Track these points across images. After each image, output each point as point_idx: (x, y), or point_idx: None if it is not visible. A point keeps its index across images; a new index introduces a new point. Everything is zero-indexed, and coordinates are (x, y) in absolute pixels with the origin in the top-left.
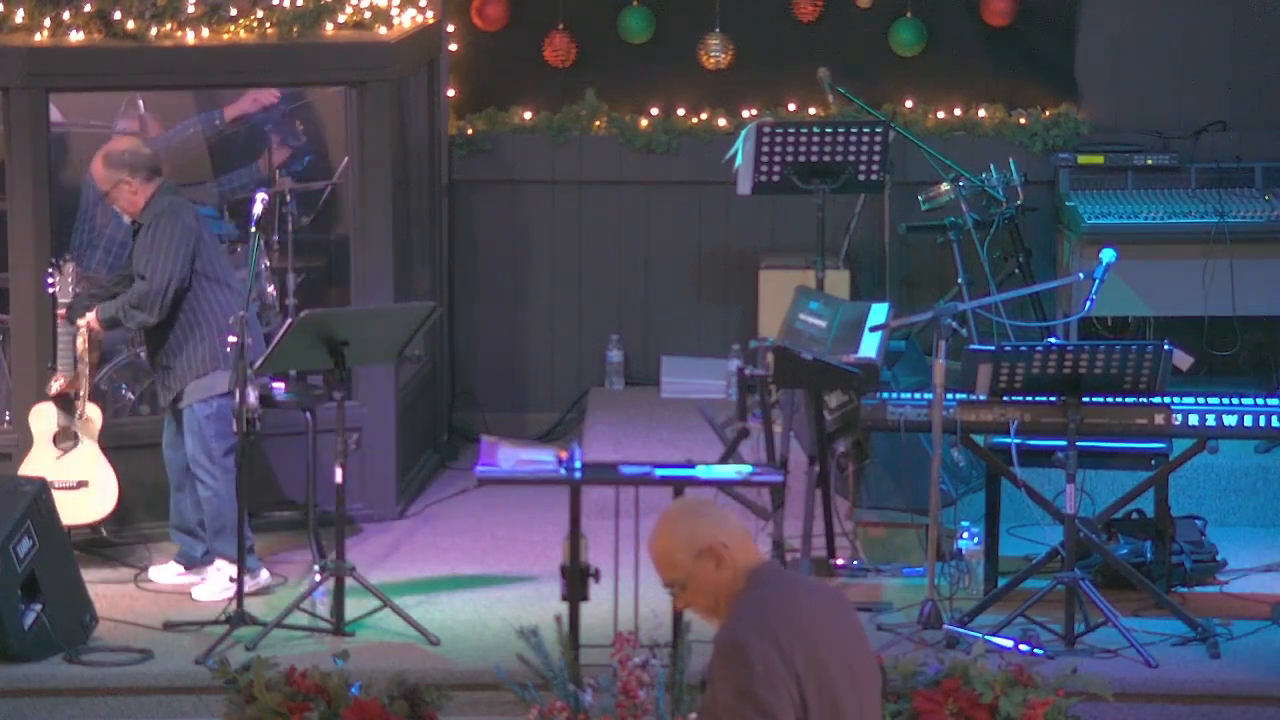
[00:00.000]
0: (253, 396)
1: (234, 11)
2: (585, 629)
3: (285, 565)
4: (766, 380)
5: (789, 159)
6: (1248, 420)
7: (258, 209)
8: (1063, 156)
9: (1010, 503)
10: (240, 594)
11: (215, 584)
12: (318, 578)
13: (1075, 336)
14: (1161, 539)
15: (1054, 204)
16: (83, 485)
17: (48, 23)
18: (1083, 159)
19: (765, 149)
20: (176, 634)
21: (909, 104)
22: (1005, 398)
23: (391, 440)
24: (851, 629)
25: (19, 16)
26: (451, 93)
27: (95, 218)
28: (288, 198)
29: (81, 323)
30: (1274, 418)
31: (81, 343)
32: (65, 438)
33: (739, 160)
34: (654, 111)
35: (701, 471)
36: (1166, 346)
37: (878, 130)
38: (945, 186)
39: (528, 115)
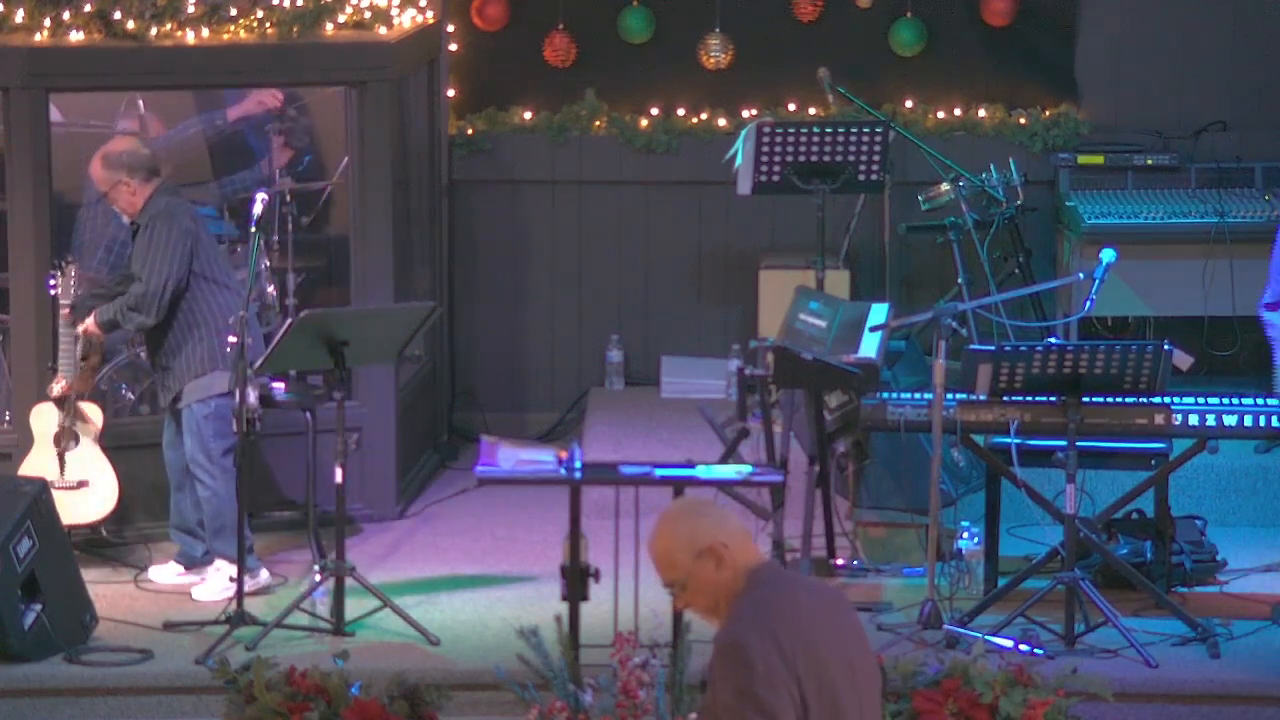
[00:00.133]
0: (253, 396)
1: (234, 11)
2: (585, 629)
3: (285, 565)
4: (766, 380)
5: (789, 159)
6: (1248, 420)
7: (258, 209)
8: (1063, 156)
9: (1010, 503)
10: (240, 594)
11: (215, 584)
12: (318, 578)
13: (1075, 336)
14: (1161, 539)
15: (1054, 204)
16: (83, 485)
17: (48, 23)
18: (1083, 159)
19: (765, 149)
20: (176, 634)
21: (909, 104)
22: (1005, 398)
23: (391, 440)
24: (852, 629)
25: (19, 16)
26: (451, 93)
27: (96, 217)
28: (288, 198)
29: (79, 329)
30: (1274, 418)
31: (79, 348)
32: (65, 438)
33: (739, 160)
34: (654, 111)
35: (701, 471)
36: (1166, 346)
37: (878, 130)
38: (945, 186)
39: (528, 115)
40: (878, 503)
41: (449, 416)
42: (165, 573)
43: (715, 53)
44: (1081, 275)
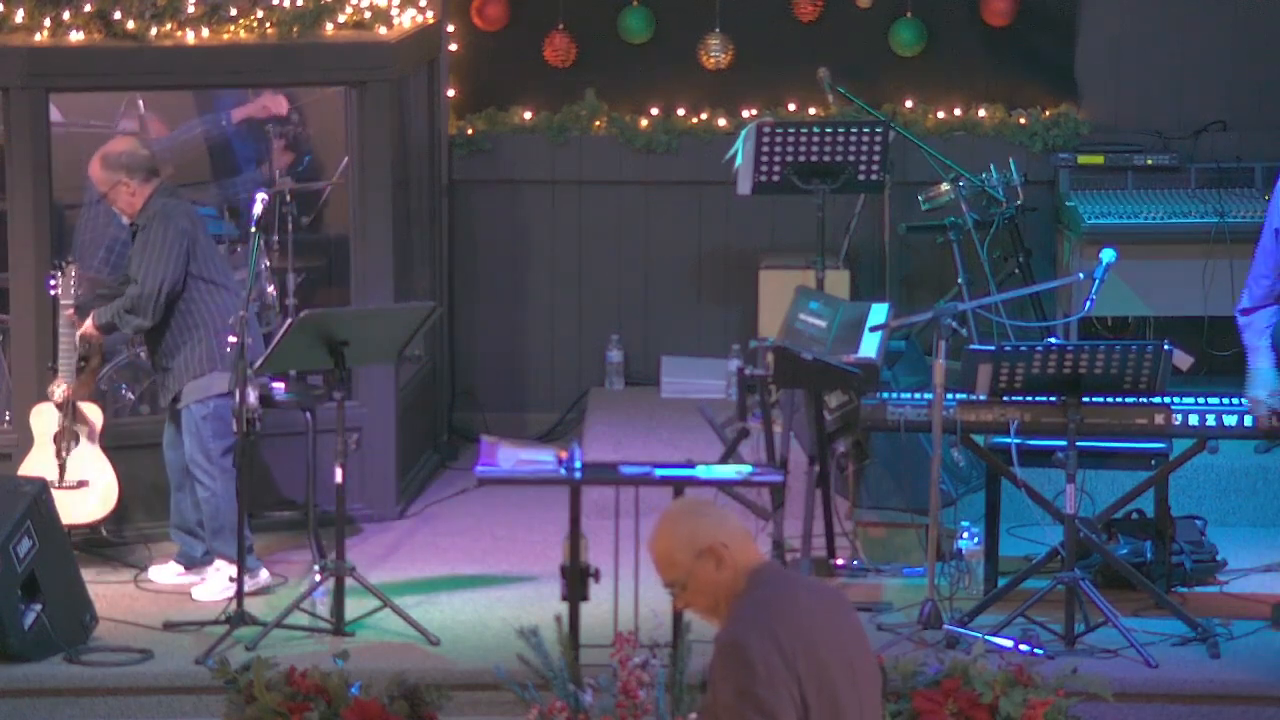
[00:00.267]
0: (253, 396)
1: (234, 11)
2: (585, 629)
3: (285, 565)
4: (766, 380)
5: (789, 159)
6: (1248, 420)
7: (258, 209)
8: (1063, 156)
9: (1010, 503)
10: (240, 594)
11: (215, 584)
12: (318, 578)
13: (1075, 336)
14: (1161, 539)
15: (1054, 204)
16: (83, 485)
17: (48, 23)
18: (1083, 159)
19: (765, 149)
20: (176, 634)
21: (909, 104)
22: (1005, 398)
23: (391, 440)
24: (852, 629)
25: (19, 16)
26: (451, 93)
27: (97, 217)
28: (288, 198)
29: (78, 332)
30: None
31: (79, 349)
32: (65, 438)
33: (739, 160)
34: (654, 111)
35: (701, 471)
36: (1166, 346)
37: (878, 130)
38: (945, 186)
39: (528, 115)
40: (878, 503)
41: (449, 416)
42: (165, 573)
43: (715, 53)
44: (1081, 275)
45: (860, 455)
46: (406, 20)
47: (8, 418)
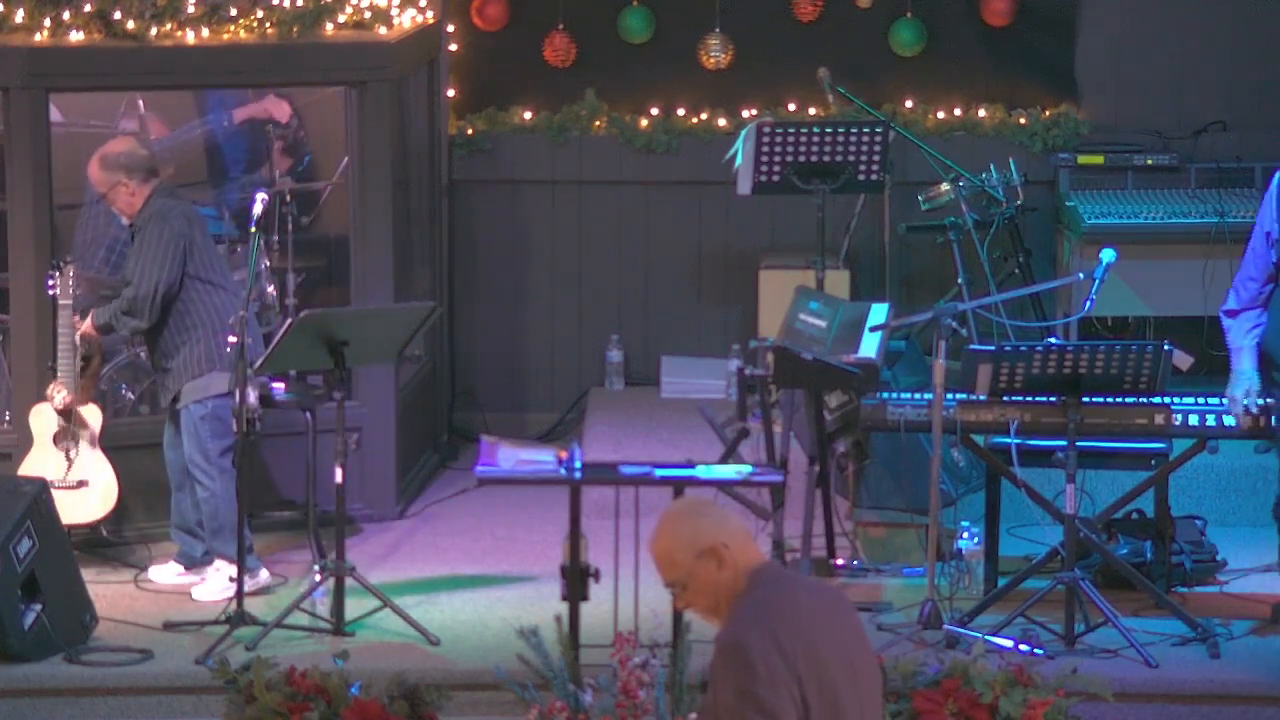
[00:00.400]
0: (252, 396)
1: (234, 11)
2: (585, 629)
3: (285, 565)
4: (766, 380)
5: (789, 159)
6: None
7: (258, 209)
8: (1063, 156)
9: (1010, 503)
10: (240, 594)
11: (215, 584)
12: (318, 578)
13: (1075, 336)
14: (1161, 539)
15: (1054, 204)
16: (83, 485)
17: (48, 23)
18: (1083, 159)
19: (765, 149)
20: (176, 634)
21: (909, 104)
22: (1005, 398)
23: (391, 440)
24: (852, 629)
25: (19, 16)
26: (451, 93)
27: (97, 217)
28: (288, 198)
29: (77, 332)
30: (1273, 418)
31: (81, 349)
32: (65, 438)
33: (739, 160)
34: (654, 111)
35: (701, 471)
36: (1166, 346)
37: (878, 130)
38: (945, 186)
39: (528, 115)
40: (878, 503)
41: (449, 416)
42: (165, 573)
43: (715, 53)
44: (1081, 275)
45: (860, 455)
46: (406, 20)
47: (8, 418)
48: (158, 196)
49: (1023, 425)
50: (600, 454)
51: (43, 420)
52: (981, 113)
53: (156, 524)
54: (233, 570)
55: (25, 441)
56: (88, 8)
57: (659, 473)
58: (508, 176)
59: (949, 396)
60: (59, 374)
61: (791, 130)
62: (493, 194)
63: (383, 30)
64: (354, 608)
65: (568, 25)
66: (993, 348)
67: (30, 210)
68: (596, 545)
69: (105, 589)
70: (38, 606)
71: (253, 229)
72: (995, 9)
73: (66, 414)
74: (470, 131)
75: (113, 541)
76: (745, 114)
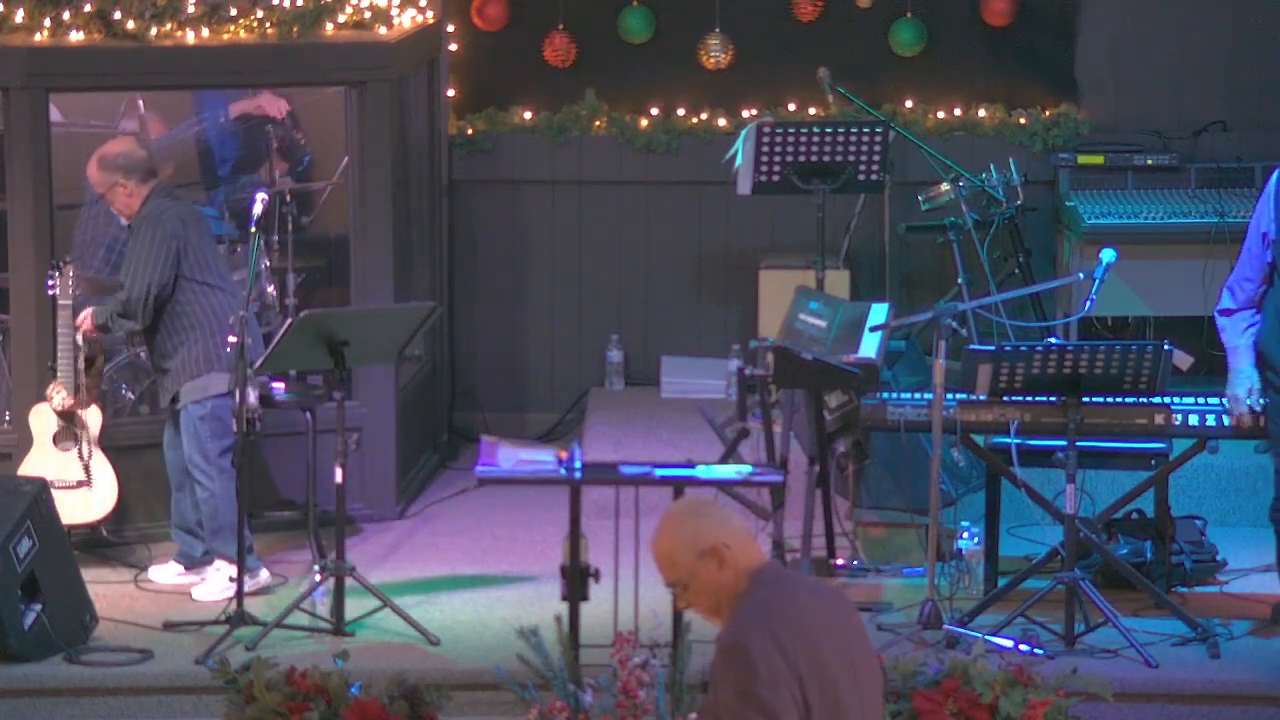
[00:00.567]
0: (252, 396)
1: (234, 11)
2: (585, 629)
3: (285, 565)
4: (766, 380)
5: (789, 159)
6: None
7: (258, 209)
8: (1063, 156)
9: (1010, 503)
10: (240, 594)
11: (215, 584)
12: (318, 578)
13: (1075, 336)
14: (1161, 539)
15: (1054, 204)
16: (83, 485)
17: (48, 23)
18: (1083, 159)
19: (765, 149)
20: (176, 634)
21: (909, 104)
22: (1005, 398)
23: (391, 440)
24: (853, 629)
25: (19, 16)
26: (451, 93)
27: (96, 217)
28: (288, 198)
29: (79, 331)
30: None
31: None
32: (65, 438)
33: (739, 160)
34: (654, 111)
35: (701, 471)
36: (1166, 346)
37: (878, 130)
38: (945, 186)
39: (528, 115)
40: (878, 503)
41: (449, 416)
42: (165, 573)
43: (715, 53)
44: (1081, 275)
45: (860, 455)
46: (406, 20)
47: (8, 418)
48: (155, 197)
49: (1023, 425)
50: (600, 454)
51: (43, 420)
52: (981, 113)
53: (156, 524)
54: (233, 570)
55: (25, 441)
56: (88, 8)
57: (659, 473)
58: (508, 176)
59: (949, 396)
60: (59, 374)
61: (791, 130)
62: (493, 194)
63: (383, 30)
64: (354, 608)
65: (568, 25)
66: (993, 348)
67: (30, 210)
68: (596, 545)
69: (105, 589)
70: (38, 606)
71: (253, 229)
72: (995, 9)
73: (66, 414)
74: (470, 131)
75: (113, 541)
76: (745, 114)
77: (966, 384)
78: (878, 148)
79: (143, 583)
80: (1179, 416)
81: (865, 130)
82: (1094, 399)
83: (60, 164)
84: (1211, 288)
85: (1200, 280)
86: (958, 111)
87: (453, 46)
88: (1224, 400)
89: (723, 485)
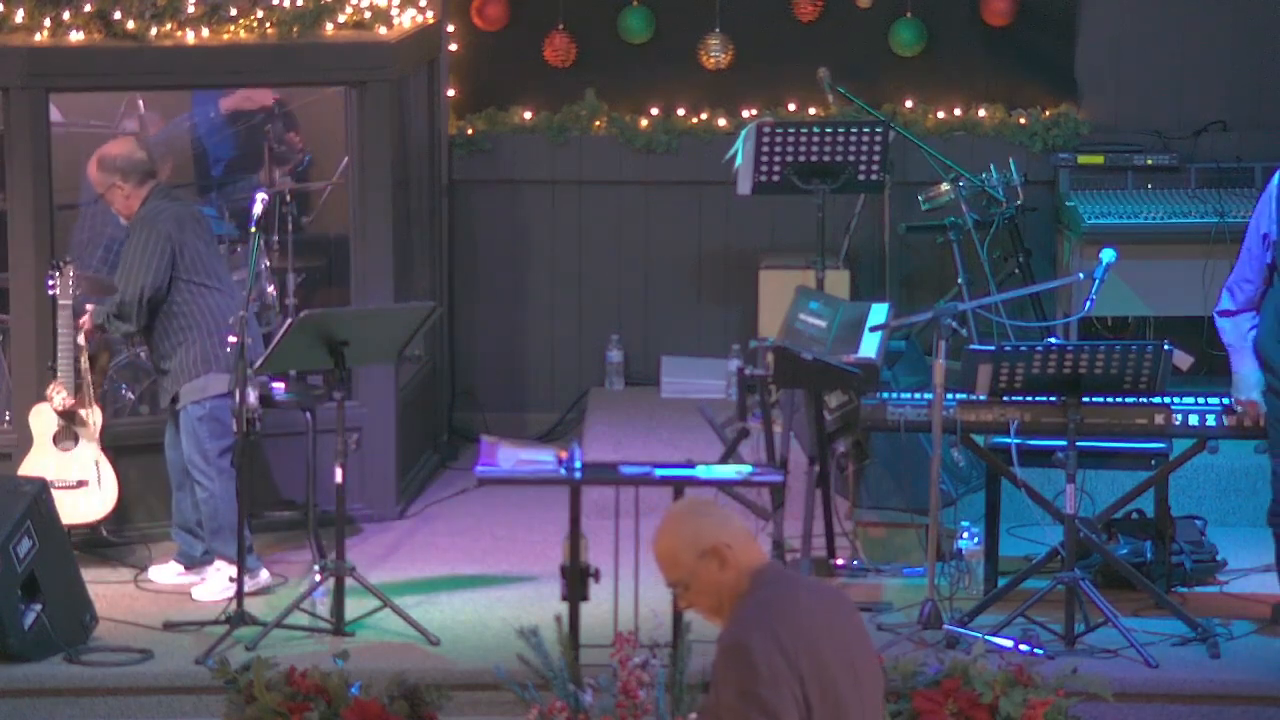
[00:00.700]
0: (252, 396)
1: (234, 11)
2: (585, 629)
3: (285, 565)
4: (766, 380)
5: (789, 159)
6: (1247, 420)
7: (257, 209)
8: (1063, 156)
9: (1010, 503)
10: (240, 594)
11: (215, 584)
12: (318, 578)
13: (1075, 336)
14: (1161, 539)
15: (1054, 204)
16: (83, 485)
17: (48, 23)
18: (1083, 159)
19: (765, 149)
20: (176, 634)
21: (909, 104)
22: (1005, 398)
23: (391, 440)
24: (854, 629)
25: (19, 16)
26: (451, 93)
27: (95, 216)
28: (288, 198)
29: (81, 330)
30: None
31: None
32: (65, 438)
33: (739, 160)
34: (654, 111)
35: (701, 471)
36: (1166, 346)
37: (878, 130)
38: (945, 186)
39: (528, 115)
40: (878, 503)
41: (449, 416)
42: (165, 573)
43: (715, 53)
44: (1081, 275)
45: (860, 455)
46: (406, 20)
47: (8, 418)
48: (154, 198)
49: (1023, 425)
50: (600, 454)
51: (43, 420)
52: (981, 113)
53: (156, 524)
54: (233, 570)
55: (25, 441)
56: (88, 8)
57: (659, 473)
58: (508, 176)
59: (949, 396)
60: (59, 374)
61: (791, 130)
62: (493, 194)
63: (383, 30)
64: (354, 608)
65: (568, 25)
66: (993, 348)
67: (30, 210)
68: (596, 545)
69: (105, 589)
70: (38, 606)
71: (253, 229)
72: (995, 9)
73: (67, 414)
74: (470, 131)
75: (113, 541)
76: (745, 114)
77: (966, 384)
78: (878, 148)
79: (143, 583)
80: (1179, 416)
81: (865, 130)
82: (1094, 399)
83: (60, 164)
84: (1211, 288)
85: (1200, 280)
86: (958, 111)
87: (453, 46)
88: (1224, 400)
89: (723, 485)
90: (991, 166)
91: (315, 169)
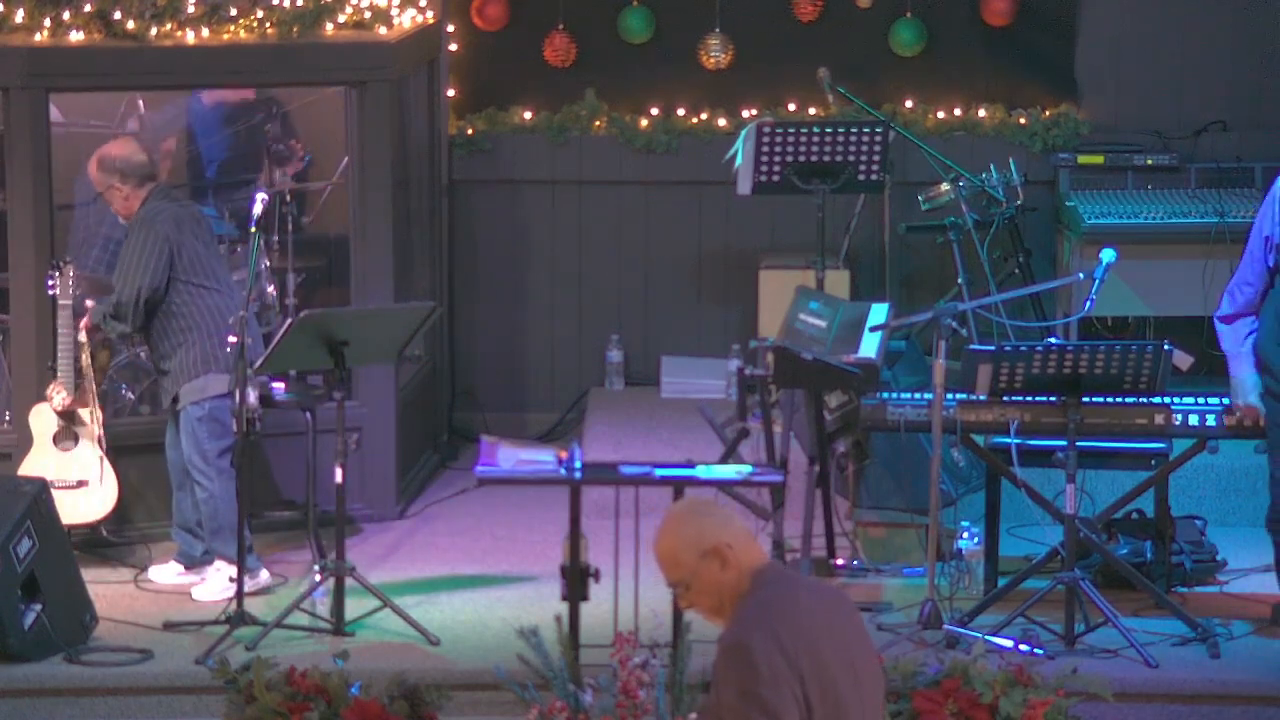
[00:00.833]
0: (252, 396)
1: (234, 11)
2: (585, 629)
3: (285, 565)
4: (766, 380)
5: (789, 159)
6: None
7: (257, 209)
8: (1063, 156)
9: (1010, 503)
10: (240, 594)
11: (215, 584)
12: (318, 578)
13: (1075, 336)
14: (1161, 539)
15: (1054, 204)
16: (83, 485)
17: (48, 23)
18: (1083, 159)
19: (765, 149)
20: (176, 634)
21: (909, 104)
22: (1005, 398)
23: (391, 440)
24: (854, 629)
25: (19, 16)
26: (451, 93)
27: (91, 215)
28: (288, 198)
29: (82, 329)
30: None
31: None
32: (65, 438)
33: (739, 160)
34: (654, 111)
35: (701, 471)
36: (1166, 346)
37: (878, 130)
38: (945, 186)
39: (528, 115)
40: (878, 503)
41: (449, 416)
42: (165, 573)
43: (715, 53)
44: (1081, 275)
45: (860, 455)
46: (406, 20)
47: (8, 418)
48: (154, 199)
49: (1023, 425)
50: (600, 454)
51: (43, 420)
52: (981, 113)
53: (156, 524)
54: (233, 570)
55: (25, 441)
56: (88, 8)
57: (659, 473)
58: (508, 176)
59: (949, 396)
60: (59, 374)
61: (791, 130)
62: (493, 194)
63: (383, 30)
64: (354, 608)
65: (568, 25)
66: (993, 348)
67: (30, 210)
68: (596, 545)
69: (105, 589)
70: (38, 606)
71: (253, 229)
72: (995, 9)
73: (67, 414)
74: (470, 131)
75: (113, 541)
76: (745, 114)
77: (966, 384)
78: (878, 148)
79: (143, 583)
80: (1179, 416)
81: (865, 130)
82: (1094, 399)
83: (60, 164)
84: (1211, 288)
85: (1200, 280)
86: (958, 111)
87: (453, 46)
88: (1224, 400)
89: (723, 485)
90: (991, 166)
91: (315, 169)
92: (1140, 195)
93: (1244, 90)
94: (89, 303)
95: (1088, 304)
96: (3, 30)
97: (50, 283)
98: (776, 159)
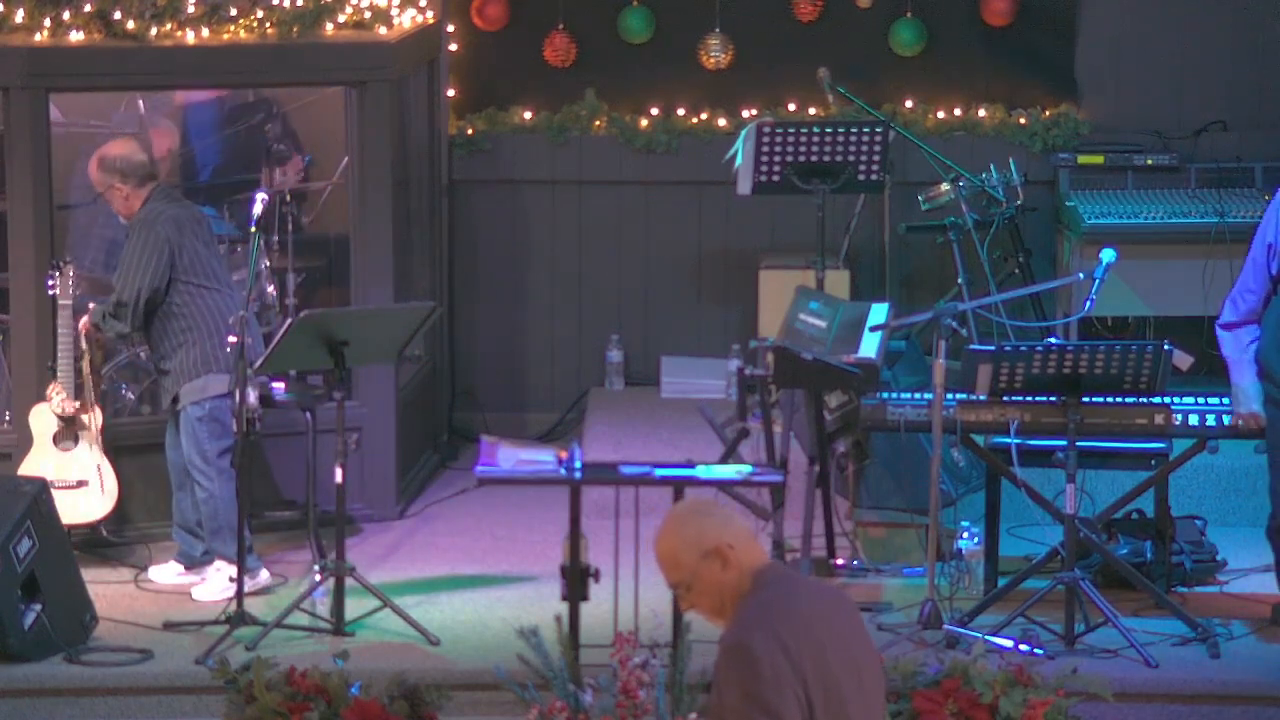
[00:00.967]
0: (253, 396)
1: (234, 11)
2: (585, 629)
3: (285, 565)
4: (766, 380)
5: (789, 159)
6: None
7: (258, 209)
8: (1063, 156)
9: (1010, 503)
10: (240, 594)
11: (215, 584)
12: (318, 578)
13: (1075, 336)
14: (1161, 539)
15: (1054, 204)
16: (83, 485)
17: (48, 23)
18: (1083, 159)
19: (765, 149)
20: (176, 634)
21: (909, 104)
22: (1005, 398)
23: (391, 440)
24: (856, 630)
25: (19, 16)
26: (451, 93)
27: (89, 215)
28: (288, 198)
29: (81, 329)
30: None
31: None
32: (65, 438)
33: (739, 160)
34: (654, 111)
35: (701, 471)
36: (1166, 346)
37: (878, 130)
38: (945, 186)
39: (528, 115)
40: (878, 503)
41: (449, 416)
42: (165, 573)
43: (715, 53)
44: (1081, 275)
45: (860, 455)
46: (406, 20)
47: (8, 418)
48: (154, 200)
49: (1023, 425)
50: (600, 454)
51: (43, 420)
52: (981, 113)
53: (156, 524)
54: (232, 570)
55: (25, 441)
56: (88, 8)
57: (659, 473)
58: (508, 176)
59: (949, 396)
60: (59, 374)
61: (791, 130)
62: (493, 194)
63: (383, 30)
64: (354, 608)
65: (568, 25)
66: (993, 348)
67: (30, 210)
68: (596, 545)
69: (105, 589)
70: (38, 606)
71: (253, 229)
72: (995, 9)
73: (66, 416)
74: (470, 131)
75: (113, 541)
76: (745, 114)
77: (966, 384)
78: (878, 148)
79: (143, 583)
80: (1179, 416)
81: (865, 130)
82: (1094, 399)
83: (60, 164)
84: (1212, 288)
85: (1200, 280)
86: (958, 111)
87: (453, 46)
88: (1224, 400)
89: (723, 485)
90: (991, 166)
91: (315, 169)
92: (1140, 195)
93: (1244, 90)
94: (90, 305)
95: (1088, 304)
96: (3, 30)
97: (50, 283)
98: (776, 159)
